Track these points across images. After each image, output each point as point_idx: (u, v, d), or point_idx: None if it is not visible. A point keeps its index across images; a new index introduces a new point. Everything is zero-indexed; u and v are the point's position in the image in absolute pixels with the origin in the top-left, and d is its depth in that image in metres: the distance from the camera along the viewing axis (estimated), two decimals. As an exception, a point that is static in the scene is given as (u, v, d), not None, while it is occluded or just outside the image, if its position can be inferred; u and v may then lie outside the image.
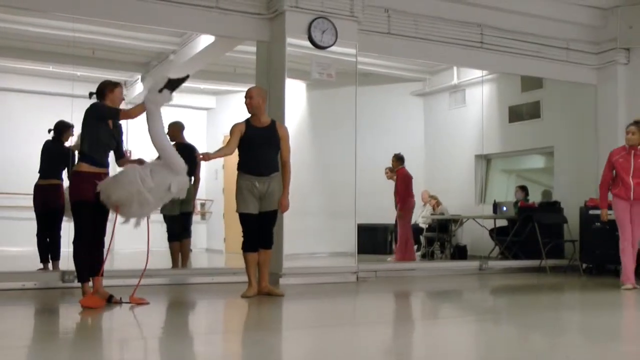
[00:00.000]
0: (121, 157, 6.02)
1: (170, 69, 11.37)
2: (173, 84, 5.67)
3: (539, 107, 11.52)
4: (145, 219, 5.81)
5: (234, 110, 13.77)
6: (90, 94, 5.98)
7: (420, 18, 8.91)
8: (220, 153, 6.40)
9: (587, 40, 10.08)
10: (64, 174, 7.76)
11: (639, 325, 5.73)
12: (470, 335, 4.95)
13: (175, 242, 8.13)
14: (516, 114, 11.95)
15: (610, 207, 7.75)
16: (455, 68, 12.79)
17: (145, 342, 4.45)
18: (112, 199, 5.50)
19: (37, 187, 7.80)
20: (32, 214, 7.86)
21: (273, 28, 8.02)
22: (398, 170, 10.67)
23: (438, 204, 12.48)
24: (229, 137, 6.32)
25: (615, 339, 4.85)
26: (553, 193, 11.19)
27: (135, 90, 13.01)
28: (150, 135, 5.57)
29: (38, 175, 7.87)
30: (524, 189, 11.27)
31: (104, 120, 5.75)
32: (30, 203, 7.84)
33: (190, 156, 6.77)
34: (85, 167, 5.66)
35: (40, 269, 7.64)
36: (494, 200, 11.49)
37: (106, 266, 5.93)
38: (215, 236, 14.04)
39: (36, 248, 7.80)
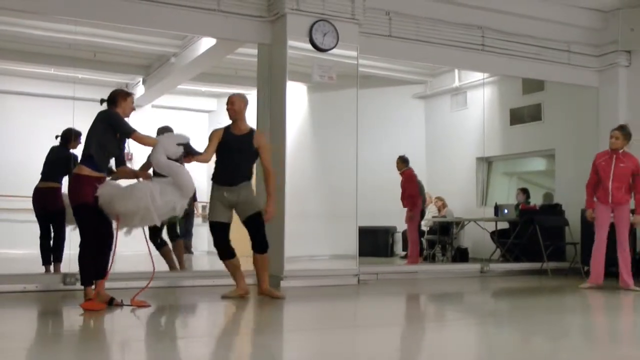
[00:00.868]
0: (121, 165, 6.01)
1: (172, 71, 11.40)
2: (189, 150, 5.89)
3: (540, 110, 11.53)
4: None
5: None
6: (102, 101, 5.93)
7: (421, 20, 8.91)
8: (197, 159, 6.28)
9: (588, 43, 10.08)
10: (65, 179, 7.75)
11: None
12: (472, 338, 4.95)
13: (165, 246, 8.02)
14: (517, 117, 11.95)
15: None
16: (456, 70, 12.80)
17: (145, 344, 4.45)
18: (116, 208, 5.50)
19: (37, 190, 7.79)
20: (33, 217, 7.87)
21: (274, 31, 8.03)
22: (404, 171, 10.64)
23: (444, 205, 12.46)
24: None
25: (616, 342, 4.84)
26: (554, 195, 11.18)
27: (137, 92, 13.03)
28: (159, 166, 5.65)
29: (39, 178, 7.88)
30: (525, 191, 11.26)
31: (115, 130, 5.74)
32: (31, 205, 7.85)
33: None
34: (87, 171, 5.62)
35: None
36: (495, 203, 11.48)
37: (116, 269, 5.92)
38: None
39: (39, 250, 7.79)
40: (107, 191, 5.55)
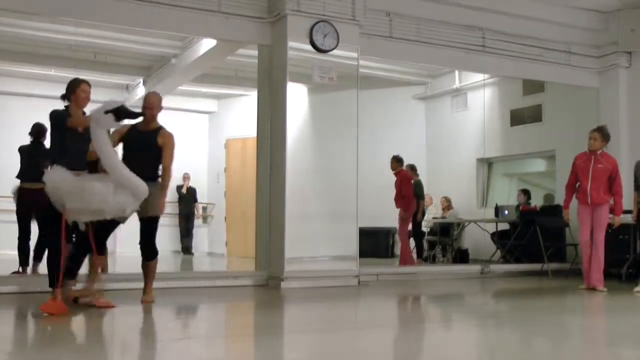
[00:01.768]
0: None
1: (172, 72, 11.40)
2: (120, 113, 5.39)
3: (541, 111, 11.52)
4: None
5: (236, 113, 13.86)
6: (62, 97, 5.77)
7: (421, 22, 8.91)
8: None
9: (588, 44, 10.08)
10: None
11: (641, 329, 5.71)
12: (472, 339, 4.94)
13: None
14: (518, 118, 11.95)
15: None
16: (457, 72, 12.79)
17: (145, 346, 4.44)
18: (65, 203, 5.29)
19: (26, 191, 7.51)
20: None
21: (275, 32, 8.03)
22: (399, 171, 10.59)
23: (450, 207, 12.45)
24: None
25: (618, 343, 4.83)
26: (555, 197, 11.18)
27: (138, 94, 13.03)
28: (104, 164, 5.39)
29: (20, 178, 7.72)
30: (526, 192, 11.25)
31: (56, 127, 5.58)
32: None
33: None
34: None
35: (16, 272, 7.51)
36: (496, 204, 11.48)
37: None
38: (217, 240, 14.05)
39: (34, 251, 7.66)
40: (56, 178, 5.34)
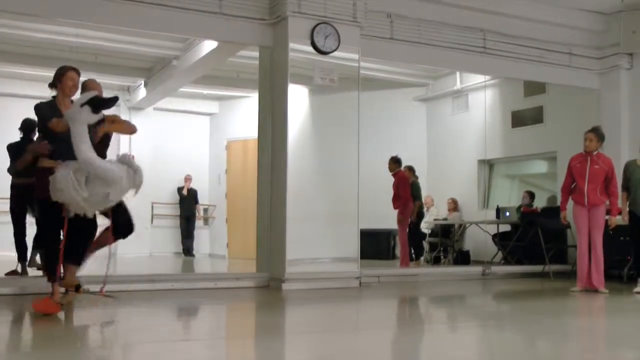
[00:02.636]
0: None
1: (173, 73, 11.41)
2: (96, 103, 5.22)
3: (542, 112, 11.52)
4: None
5: (237, 115, 13.86)
6: (50, 85, 5.66)
7: (422, 23, 8.91)
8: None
9: (590, 45, 10.08)
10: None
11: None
12: (474, 340, 4.94)
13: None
14: (519, 119, 11.95)
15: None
16: (457, 73, 12.80)
17: (146, 347, 4.44)
18: (83, 193, 5.17)
19: (20, 187, 7.43)
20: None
21: (276, 33, 8.03)
22: (397, 173, 10.55)
23: (456, 209, 12.43)
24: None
25: (620, 345, 4.82)
26: (557, 198, 11.16)
27: (138, 95, 13.04)
28: (75, 152, 5.18)
29: (10, 174, 7.64)
30: (531, 194, 11.24)
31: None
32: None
33: None
34: (49, 163, 5.32)
35: (12, 272, 7.49)
36: (497, 206, 11.48)
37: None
38: (218, 241, 14.05)
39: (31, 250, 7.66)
40: (73, 168, 5.20)
